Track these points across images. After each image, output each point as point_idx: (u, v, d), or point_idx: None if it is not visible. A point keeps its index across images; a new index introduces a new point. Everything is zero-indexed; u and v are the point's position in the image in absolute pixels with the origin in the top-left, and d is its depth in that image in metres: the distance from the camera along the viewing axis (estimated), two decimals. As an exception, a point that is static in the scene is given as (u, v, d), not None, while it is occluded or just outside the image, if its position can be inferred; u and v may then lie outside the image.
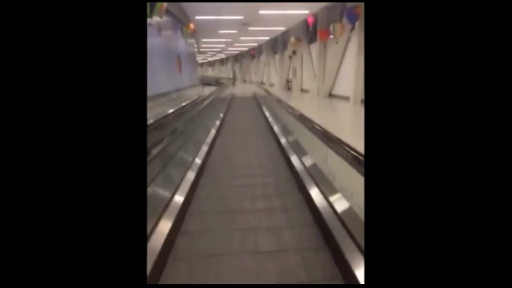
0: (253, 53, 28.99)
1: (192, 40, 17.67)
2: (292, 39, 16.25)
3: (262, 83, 25.63)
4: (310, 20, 12.44)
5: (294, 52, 17.59)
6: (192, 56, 16.98)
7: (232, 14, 12.39)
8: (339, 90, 12.88)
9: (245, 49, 29.03)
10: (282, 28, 16.89)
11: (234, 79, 30.21)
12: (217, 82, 25.91)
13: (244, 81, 33.78)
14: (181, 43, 12.70)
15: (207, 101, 7.12)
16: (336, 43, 11.08)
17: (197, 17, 12.57)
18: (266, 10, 11.57)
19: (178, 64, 12.04)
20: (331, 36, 12.56)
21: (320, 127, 3.00)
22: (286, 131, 5.53)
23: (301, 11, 12.14)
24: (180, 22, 12.02)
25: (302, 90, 17.71)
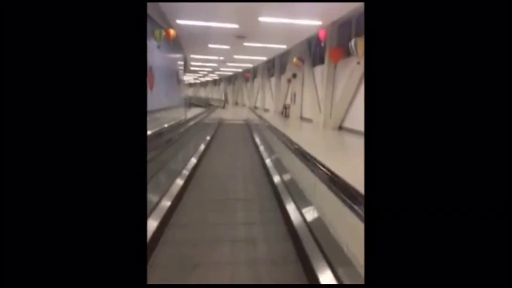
0: (247, 76, 26.96)
1: (177, 55, 15.11)
2: (295, 59, 13.84)
3: (255, 107, 23.24)
4: (322, 34, 9.92)
5: (294, 75, 15.21)
6: (173, 72, 14.21)
7: (225, 21, 9.83)
8: (355, 122, 10.18)
9: (239, 70, 26.91)
10: (282, 46, 14.50)
11: (225, 101, 28.35)
12: (206, 103, 23.71)
13: (236, 104, 31.78)
14: (155, 55, 10.00)
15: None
16: (358, 62, 8.54)
17: (178, 21, 9.97)
18: (268, 17, 9.03)
19: (149, 79, 9.28)
20: (343, 59, 10.18)
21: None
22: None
23: (311, 22, 9.66)
24: (157, 27, 9.38)
25: (301, 118, 15.17)
